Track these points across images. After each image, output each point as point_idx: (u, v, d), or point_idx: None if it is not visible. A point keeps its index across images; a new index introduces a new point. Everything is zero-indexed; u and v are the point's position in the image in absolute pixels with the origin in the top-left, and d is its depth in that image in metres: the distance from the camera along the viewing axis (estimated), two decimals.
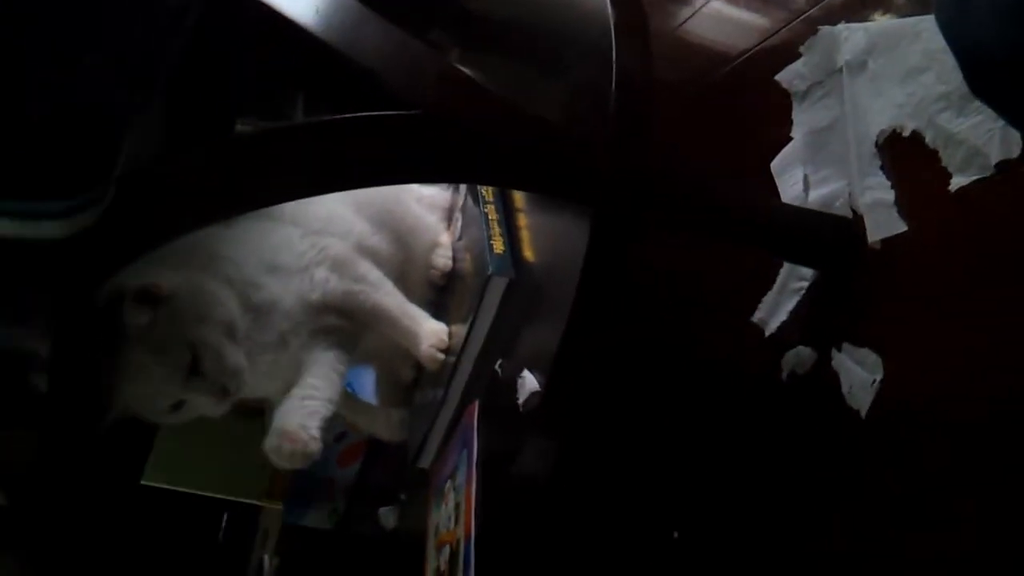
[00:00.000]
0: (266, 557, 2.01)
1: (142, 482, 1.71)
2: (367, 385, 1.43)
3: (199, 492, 1.82)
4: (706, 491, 0.98)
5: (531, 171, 0.77)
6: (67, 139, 0.54)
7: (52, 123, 0.53)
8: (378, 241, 1.22)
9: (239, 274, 1.05)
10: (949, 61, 0.53)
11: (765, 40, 1.08)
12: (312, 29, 0.69)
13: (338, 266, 1.13)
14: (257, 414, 1.74)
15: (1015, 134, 0.68)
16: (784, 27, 1.05)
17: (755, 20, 1.14)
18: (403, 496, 1.34)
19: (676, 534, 0.99)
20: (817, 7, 0.99)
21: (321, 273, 1.11)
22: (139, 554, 2.20)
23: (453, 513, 0.99)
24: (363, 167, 0.73)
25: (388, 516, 1.35)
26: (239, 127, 0.94)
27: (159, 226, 0.70)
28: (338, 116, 0.69)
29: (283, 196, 0.80)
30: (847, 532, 0.79)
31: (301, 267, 1.12)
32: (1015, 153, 0.68)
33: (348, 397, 1.37)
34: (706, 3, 1.28)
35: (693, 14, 1.31)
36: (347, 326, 1.15)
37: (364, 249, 1.18)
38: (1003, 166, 0.70)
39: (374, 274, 1.16)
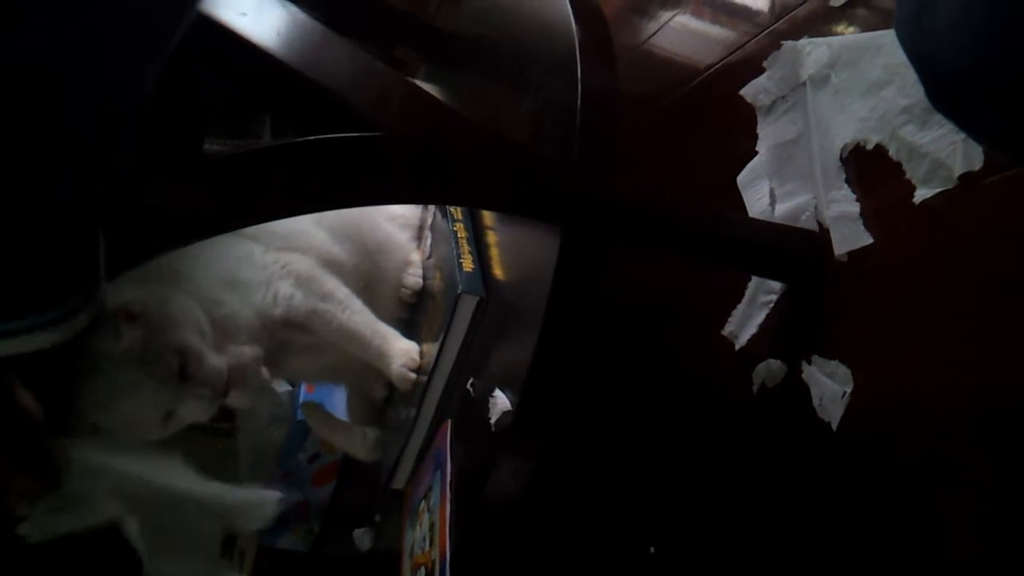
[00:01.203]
0: None
1: None
2: (338, 404, 1.41)
3: None
4: (681, 505, 0.98)
5: (497, 192, 0.76)
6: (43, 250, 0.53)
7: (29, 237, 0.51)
8: (340, 252, 1.19)
9: (198, 291, 1.04)
10: (910, 75, 0.53)
11: (730, 54, 1.08)
12: (274, 52, 0.69)
13: (303, 282, 1.11)
14: (227, 434, 1.73)
15: (977, 147, 0.69)
16: (749, 40, 1.05)
17: (720, 34, 1.14)
18: (378, 517, 1.32)
19: (652, 549, 0.98)
20: (781, 21, 1.00)
21: (285, 288, 1.09)
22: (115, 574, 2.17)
23: (428, 534, 0.98)
24: (328, 189, 0.72)
25: (363, 537, 1.34)
26: (207, 147, 0.92)
27: (128, 249, 0.69)
28: (301, 139, 0.68)
29: (249, 219, 0.79)
30: (821, 542, 0.79)
31: (263, 280, 1.10)
32: (977, 165, 0.69)
33: (324, 415, 1.36)
34: (672, 17, 1.29)
35: (659, 29, 1.31)
36: (310, 341, 1.14)
37: (327, 262, 1.16)
38: (966, 178, 0.70)
39: (342, 292, 1.14)
